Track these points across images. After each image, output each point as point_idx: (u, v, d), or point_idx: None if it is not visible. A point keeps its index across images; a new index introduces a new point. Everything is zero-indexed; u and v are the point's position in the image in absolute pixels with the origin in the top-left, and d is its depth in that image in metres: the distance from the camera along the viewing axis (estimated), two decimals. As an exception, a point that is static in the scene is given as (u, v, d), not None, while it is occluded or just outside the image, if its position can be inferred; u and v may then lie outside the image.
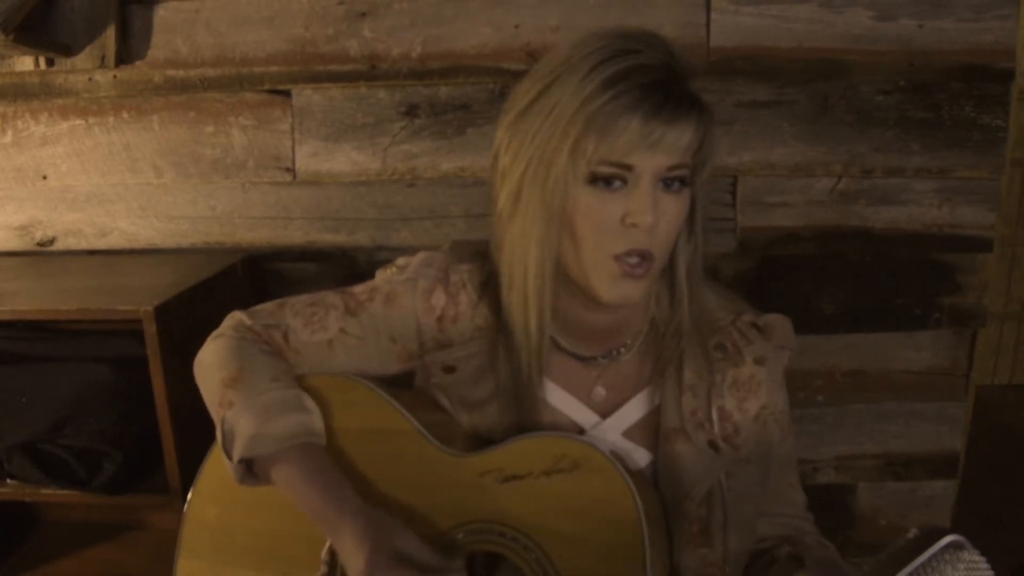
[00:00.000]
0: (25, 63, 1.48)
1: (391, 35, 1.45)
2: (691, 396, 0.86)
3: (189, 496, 0.93)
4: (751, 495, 0.88)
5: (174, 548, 0.92)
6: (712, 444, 0.85)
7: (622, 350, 0.89)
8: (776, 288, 1.51)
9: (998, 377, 1.94)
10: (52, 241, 1.58)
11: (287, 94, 1.48)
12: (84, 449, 1.29)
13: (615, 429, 0.89)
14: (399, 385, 0.93)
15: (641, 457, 0.89)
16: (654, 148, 0.73)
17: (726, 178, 1.47)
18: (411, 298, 0.89)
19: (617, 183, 0.75)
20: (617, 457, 0.82)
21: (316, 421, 0.86)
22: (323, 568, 0.85)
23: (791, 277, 1.51)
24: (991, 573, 0.55)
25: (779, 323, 0.90)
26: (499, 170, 0.81)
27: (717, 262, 1.50)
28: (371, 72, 1.46)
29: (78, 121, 1.52)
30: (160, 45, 1.47)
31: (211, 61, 1.47)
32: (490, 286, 0.88)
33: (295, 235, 1.54)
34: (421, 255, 0.92)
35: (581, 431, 0.89)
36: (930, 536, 0.55)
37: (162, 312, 1.20)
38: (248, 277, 1.50)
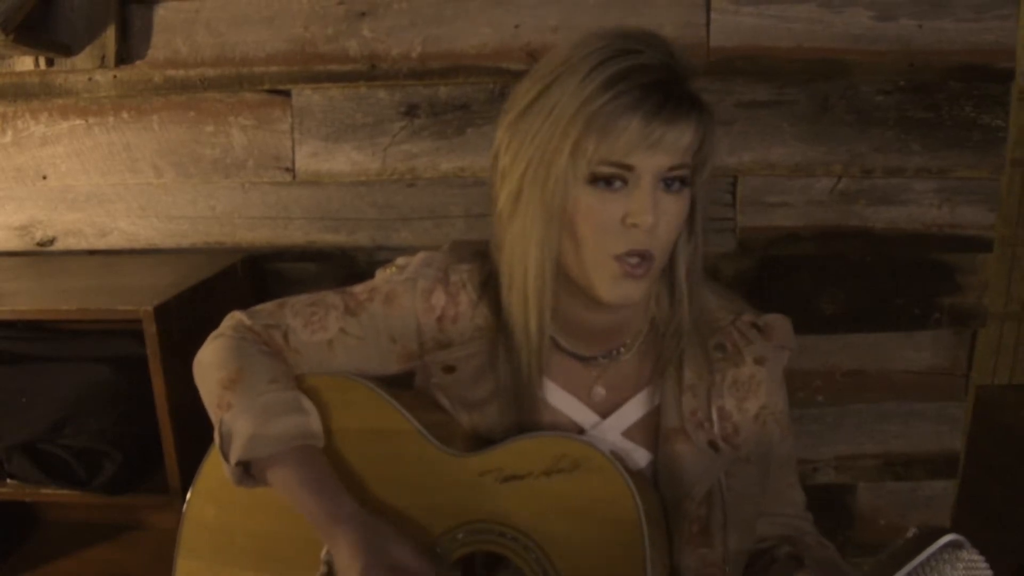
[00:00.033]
0: (25, 63, 1.48)
1: (391, 35, 1.45)
2: (691, 396, 0.87)
3: (188, 496, 0.92)
4: (751, 495, 0.88)
5: (174, 548, 0.92)
6: (712, 444, 0.86)
7: (622, 350, 0.89)
8: (776, 288, 1.51)
9: (998, 377, 1.94)
10: (52, 241, 1.58)
11: (287, 94, 1.49)
12: (84, 449, 1.29)
13: (615, 429, 0.89)
14: (399, 385, 0.93)
15: (641, 457, 0.89)
16: (654, 148, 0.73)
17: (726, 178, 1.47)
18: (411, 298, 0.89)
19: (618, 183, 0.75)
20: (617, 457, 0.82)
21: (314, 422, 0.86)
22: (323, 568, 0.85)
23: (791, 277, 1.51)
24: (990, 572, 0.55)
25: (779, 323, 0.90)
26: (499, 170, 0.81)
27: (717, 262, 1.50)
28: (371, 72, 1.46)
29: (78, 121, 1.52)
30: (160, 45, 1.47)
31: (211, 61, 1.47)
32: (490, 286, 0.88)
33: (295, 235, 1.54)
34: (421, 255, 0.92)
35: (581, 431, 0.89)
36: (929, 535, 0.56)
37: (162, 312, 1.20)
38: (248, 277, 1.50)
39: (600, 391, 0.90)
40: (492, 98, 1.46)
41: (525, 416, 0.87)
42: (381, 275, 0.93)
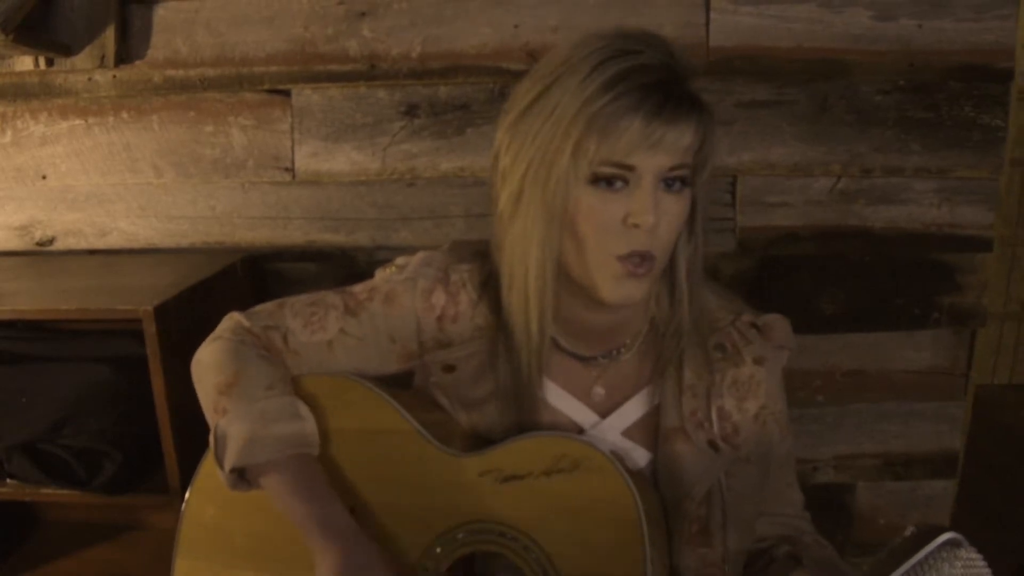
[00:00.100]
0: (25, 63, 1.47)
1: (391, 35, 1.45)
2: (691, 396, 0.87)
3: (187, 496, 0.93)
4: (750, 495, 0.88)
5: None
6: (712, 444, 0.86)
7: (622, 350, 0.89)
8: (776, 288, 1.51)
9: (998, 377, 1.95)
10: (52, 241, 1.58)
11: (287, 94, 1.48)
12: (84, 449, 1.29)
13: (615, 429, 0.89)
14: (398, 385, 0.93)
15: (640, 457, 0.89)
16: (655, 148, 0.74)
17: (726, 178, 1.47)
18: (411, 297, 0.89)
19: (619, 183, 0.75)
20: (617, 457, 0.82)
21: (310, 428, 0.85)
22: (323, 568, 0.85)
23: (791, 277, 1.51)
24: (988, 570, 0.55)
25: (778, 323, 0.90)
26: (500, 171, 0.81)
27: (717, 262, 1.50)
28: (371, 72, 1.46)
29: (78, 121, 1.52)
30: (160, 45, 1.47)
31: (211, 61, 1.47)
32: (490, 286, 0.88)
33: (295, 235, 1.54)
34: (421, 255, 0.92)
35: (581, 431, 0.89)
36: (927, 534, 0.56)
37: (162, 312, 1.20)
38: (248, 277, 1.50)
39: (600, 391, 0.90)
40: (492, 98, 1.46)
41: (525, 416, 0.87)
42: (381, 275, 0.93)
